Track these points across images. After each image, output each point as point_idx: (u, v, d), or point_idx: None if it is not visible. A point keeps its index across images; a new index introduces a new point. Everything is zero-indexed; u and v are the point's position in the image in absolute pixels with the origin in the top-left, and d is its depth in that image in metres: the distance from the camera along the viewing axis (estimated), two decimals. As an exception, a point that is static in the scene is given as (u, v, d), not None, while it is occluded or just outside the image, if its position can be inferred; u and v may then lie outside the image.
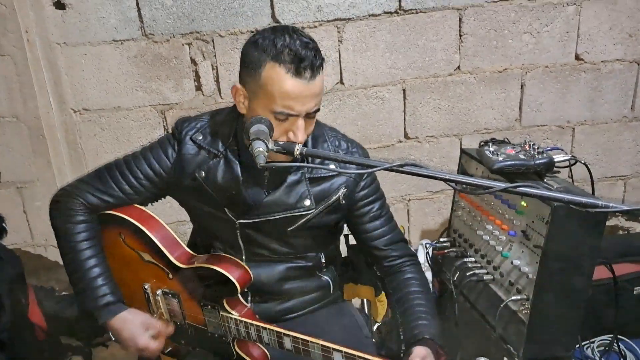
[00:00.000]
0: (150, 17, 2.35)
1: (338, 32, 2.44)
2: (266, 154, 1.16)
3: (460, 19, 2.48)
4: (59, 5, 2.32)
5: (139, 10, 2.34)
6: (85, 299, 1.42)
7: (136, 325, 1.42)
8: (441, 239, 1.95)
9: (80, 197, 1.44)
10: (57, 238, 1.47)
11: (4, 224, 1.93)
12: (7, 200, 2.49)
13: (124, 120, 2.50)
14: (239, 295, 1.40)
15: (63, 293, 2.73)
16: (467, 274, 1.72)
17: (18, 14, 2.28)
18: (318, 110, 1.31)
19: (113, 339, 1.45)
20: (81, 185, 1.47)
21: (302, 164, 1.34)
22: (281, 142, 1.24)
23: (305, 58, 1.23)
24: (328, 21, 2.41)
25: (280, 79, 1.23)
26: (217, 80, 2.46)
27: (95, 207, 1.45)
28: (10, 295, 1.70)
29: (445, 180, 1.05)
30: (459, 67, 2.55)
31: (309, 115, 1.30)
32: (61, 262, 2.60)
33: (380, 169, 1.10)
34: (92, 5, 2.32)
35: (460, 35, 2.50)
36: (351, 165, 1.36)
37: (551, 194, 0.99)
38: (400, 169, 1.08)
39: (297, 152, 1.19)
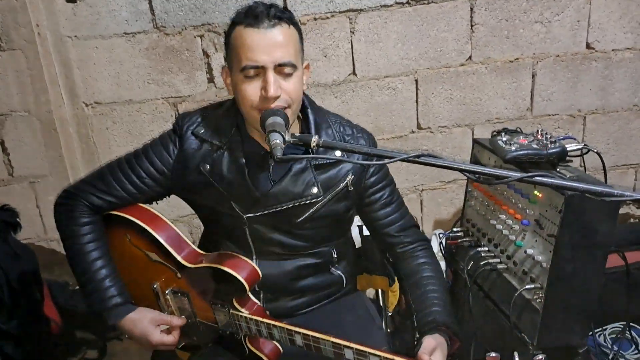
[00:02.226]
0: (162, 10, 2.35)
1: (350, 23, 2.43)
2: (283, 146, 1.17)
3: (471, 9, 2.46)
4: (70, -1, 2.33)
5: (150, 2, 2.35)
6: (94, 300, 1.41)
7: (146, 323, 1.41)
8: (454, 229, 1.95)
9: (83, 198, 1.43)
10: (63, 240, 1.46)
11: (17, 219, 1.94)
12: (21, 194, 2.51)
13: (136, 114, 2.51)
14: (249, 293, 1.39)
15: (77, 287, 2.75)
16: (481, 263, 1.72)
17: (29, 8, 2.29)
18: (292, 67, 1.29)
19: (127, 337, 1.46)
20: (84, 186, 1.45)
21: (319, 156, 1.33)
22: (297, 134, 1.23)
23: (259, 8, 1.28)
24: (340, 12, 2.41)
25: (241, 34, 1.28)
26: (228, 73, 2.46)
27: (99, 208, 1.45)
28: (26, 290, 1.71)
29: (462, 171, 1.05)
30: (470, 57, 2.54)
31: (282, 72, 1.29)
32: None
33: (397, 160, 1.09)
34: (104, -2, 2.33)
35: (472, 25, 2.49)
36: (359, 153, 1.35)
37: (567, 183, 0.99)
38: (417, 159, 1.08)
39: (314, 144, 1.20)
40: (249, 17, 1.28)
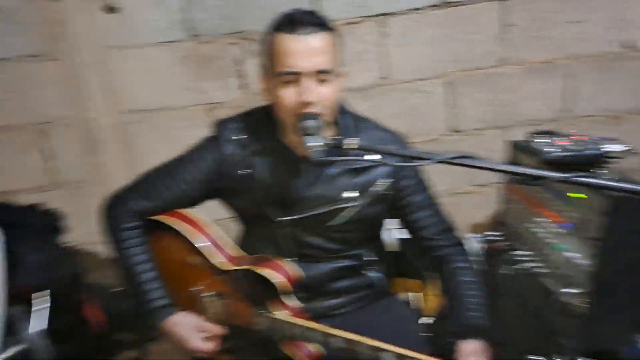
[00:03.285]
0: (197, 19, 2.41)
1: (381, 26, 2.45)
2: (319, 149, 1.19)
3: (503, 10, 2.45)
4: (109, 10, 2.40)
5: (186, 12, 2.40)
6: (139, 302, 1.46)
7: (187, 328, 1.45)
8: (490, 232, 1.94)
9: (128, 204, 1.49)
10: (109, 243, 1.52)
11: (62, 223, 2.00)
12: (64, 199, 2.58)
13: (172, 120, 2.56)
14: (288, 296, 1.41)
15: (116, 289, 2.82)
16: (517, 266, 1.71)
17: (70, 20, 2.37)
18: (328, 73, 1.31)
19: (167, 339, 1.49)
20: (128, 192, 1.51)
21: (355, 158, 1.33)
22: (333, 137, 1.25)
23: (297, 15, 1.31)
24: (371, 16, 2.43)
25: (279, 41, 1.31)
26: (262, 79, 2.50)
27: (143, 213, 1.49)
28: (68, 292, 1.77)
29: (508, 172, 1.04)
30: (502, 58, 2.52)
31: (318, 78, 1.31)
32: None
33: (435, 162, 1.10)
34: (141, 8, 2.39)
35: (504, 27, 2.47)
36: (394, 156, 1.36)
37: (615, 184, 0.99)
38: (455, 161, 1.08)
39: (350, 147, 1.21)
40: (287, 23, 1.31)
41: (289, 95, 1.32)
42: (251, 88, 2.51)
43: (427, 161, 1.12)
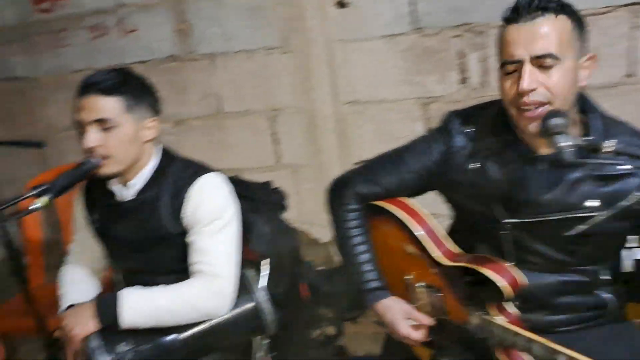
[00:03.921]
0: (423, 12, 2.41)
1: (633, 17, 2.16)
2: (571, 149, 1.08)
3: None
4: (341, 5, 2.54)
5: (413, 4, 2.42)
6: (354, 281, 1.51)
7: (397, 313, 1.46)
8: None
9: (352, 187, 1.54)
10: (331, 223, 1.59)
11: (286, 201, 2.17)
12: (285, 180, 2.81)
13: (387, 113, 2.62)
14: (508, 302, 1.33)
15: (320, 268, 3.01)
16: None
17: (305, 15, 2.57)
18: (553, 58, 1.20)
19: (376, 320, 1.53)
20: (353, 176, 1.57)
21: (613, 162, 1.20)
22: (587, 138, 1.14)
23: (522, 2, 1.22)
24: (620, 6, 2.16)
25: (504, 32, 1.26)
26: (484, 73, 2.41)
27: (365, 197, 1.54)
28: (289, 264, 1.91)
29: None
30: None
31: (541, 64, 1.21)
32: (321, 240, 2.89)
33: None
34: (370, 2, 2.47)
35: None
36: None
37: None
38: None
39: (606, 150, 1.08)
40: (512, 12, 1.25)
41: (508, 86, 1.26)
42: (471, 83, 2.44)
43: None
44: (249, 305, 1.61)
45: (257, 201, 1.86)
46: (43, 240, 2.83)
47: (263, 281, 1.73)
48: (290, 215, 2.91)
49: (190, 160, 1.68)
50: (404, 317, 1.46)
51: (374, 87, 2.61)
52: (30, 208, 1.31)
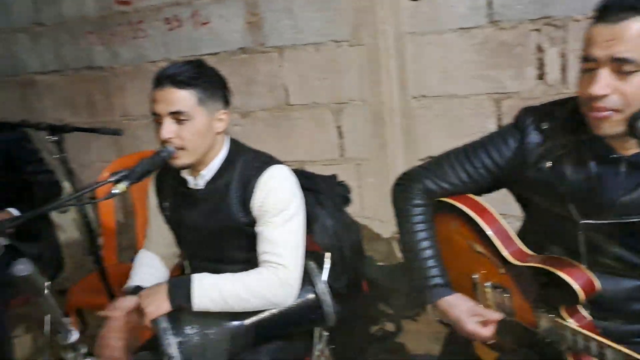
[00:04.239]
0: (500, 4, 2.33)
1: None
2: None
3: None
4: (414, -3, 2.49)
5: (489, -3, 2.35)
6: (416, 277, 1.48)
7: (462, 311, 1.41)
8: None
9: (420, 182, 1.51)
10: (396, 217, 1.56)
11: (349, 194, 2.16)
12: (348, 174, 2.82)
13: (458, 108, 2.55)
14: (581, 305, 1.27)
15: (379, 264, 2.99)
16: None
17: (376, 7, 2.54)
18: (633, 64, 1.12)
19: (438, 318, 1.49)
20: (422, 171, 1.53)
21: None
22: None
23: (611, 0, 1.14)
24: None
25: (590, 28, 1.18)
26: (563, 69, 2.29)
27: (432, 193, 1.50)
28: (353, 257, 1.90)
29: None
30: None
31: (619, 70, 1.13)
32: (382, 236, 2.87)
33: None
34: (445, -6, 2.42)
35: None
36: None
37: None
38: None
39: None
40: (599, 10, 1.17)
41: (583, 86, 1.20)
42: (549, 79, 2.33)
43: None
44: (311, 296, 1.61)
45: (322, 194, 1.86)
46: (116, 223, 2.97)
47: (325, 274, 1.73)
48: (352, 210, 2.92)
49: (258, 151, 1.70)
50: (471, 315, 1.41)
51: (445, 82, 2.55)
52: (111, 193, 1.36)
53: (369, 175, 2.82)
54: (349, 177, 2.84)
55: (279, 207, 1.56)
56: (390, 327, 2.69)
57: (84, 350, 1.19)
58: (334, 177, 1.98)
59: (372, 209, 2.88)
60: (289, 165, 1.67)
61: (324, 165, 2.86)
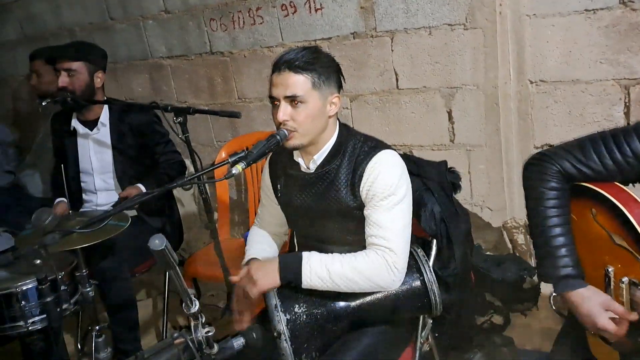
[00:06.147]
0: (634, -18, 2.13)
1: None
2: None
3: None
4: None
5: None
6: (545, 265, 1.42)
7: (595, 304, 1.35)
8: None
9: (558, 163, 1.43)
10: (526, 199, 1.50)
11: (460, 181, 2.12)
12: (457, 160, 2.76)
13: (581, 94, 2.39)
14: None
15: (488, 253, 2.89)
16: None
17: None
18: None
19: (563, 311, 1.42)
20: (561, 152, 1.45)
21: None
22: None
23: None
24: None
25: None
26: None
27: (571, 177, 1.42)
28: (460, 246, 1.87)
29: None
30: None
31: None
32: (492, 225, 2.77)
33: None
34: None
35: None
36: None
37: None
38: None
39: None
40: None
41: None
42: None
43: None
44: (416, 283, 1.62)
45: (430, 180, 1.85)
46: (230, 200, 3.16)
47: (431, 260, 1.73)
48: (461, 197, 2.85)
49: (367, 135, 1.72)
50: (602, 309, 1.35)
51: (567, 66, 2.39)
52: (230, 173, 1.46)
53: (480, 161, 2.74)
54: (459, 163, 2.78)
55: (387, 192, 1.58)
56: (497, 319, 2.62)
57: (203, 319, 1.27)
58: (444, 163, 1.96)
59: (482, 197, 2.80)
60: (397, 150, 1.68)
61: (432, 150, 2.82)
